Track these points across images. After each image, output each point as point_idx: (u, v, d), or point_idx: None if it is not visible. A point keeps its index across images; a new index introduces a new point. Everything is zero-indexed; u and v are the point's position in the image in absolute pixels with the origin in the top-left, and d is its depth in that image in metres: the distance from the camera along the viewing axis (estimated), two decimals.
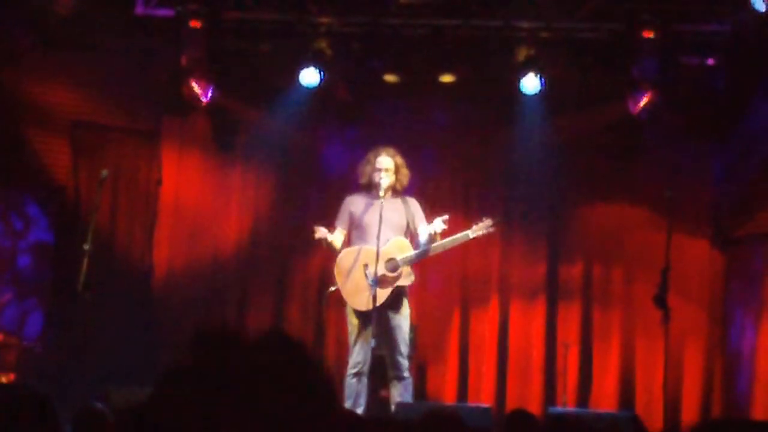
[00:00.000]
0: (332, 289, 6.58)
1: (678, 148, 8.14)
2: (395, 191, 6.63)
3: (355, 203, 6.66)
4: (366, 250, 6.44)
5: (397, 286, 6.42)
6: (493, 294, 8.25)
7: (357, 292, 6.42)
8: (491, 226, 6.60)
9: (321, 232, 6.49)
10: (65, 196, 8.11)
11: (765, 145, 7.59)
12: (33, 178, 8.06)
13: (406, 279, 6.44)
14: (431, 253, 6.54)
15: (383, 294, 6.34)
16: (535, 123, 8.06)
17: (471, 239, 6.62)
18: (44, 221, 8.10)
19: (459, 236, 6.52)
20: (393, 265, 6.38)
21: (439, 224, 6.34)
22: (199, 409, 1.43)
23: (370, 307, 6.25)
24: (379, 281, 6.29)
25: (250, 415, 1.42)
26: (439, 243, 6.48)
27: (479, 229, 6.57)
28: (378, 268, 6.28)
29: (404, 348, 6.42)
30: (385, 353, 6.45)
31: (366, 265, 6.36)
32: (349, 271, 6.48)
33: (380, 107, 8.51)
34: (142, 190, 8.52)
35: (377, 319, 6.29)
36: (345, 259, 6.54)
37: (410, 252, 6.45)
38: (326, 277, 7.14)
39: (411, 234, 6.60)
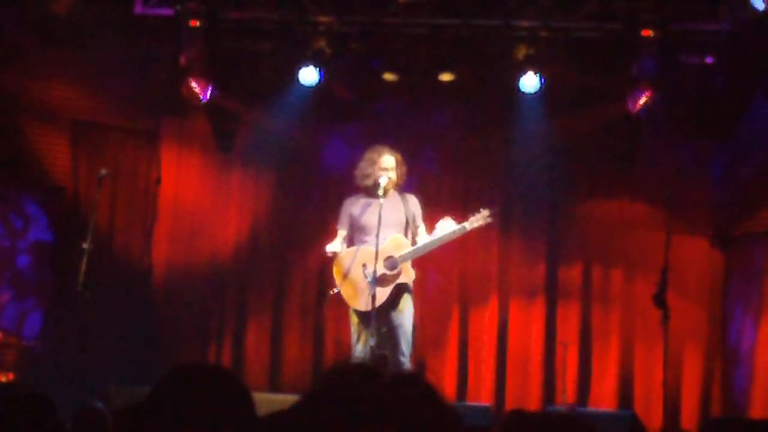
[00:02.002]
0: (334, 291, 6.55)
1: (677, 148, 8.14)
2: (395, 188, 6.61)
3: (354, 204, 6.65)
4: (363, 249, 6.44)
5: (398, 284, 6.40)
6: (493, 293, 8.25)
7: (356, 293, 6.42)
8: (488, 217, 6.49)
9: (329, 250, 6.50)
10: (64, 196, 8.11)
11: (764, 144, 7.59)
12: (32, 178, 8.05)
13: (406, 276, 6.41)
14: (430, 249, 6.49)
15: (384, 293, 6.33)
16: (535, 122, 8.05)
17: (469, 231, 6.51)
18: (43, 220, 8.10)
19: (456, 229, 6.43)
20: (392, 263, 6.36)
21: (449, 225, 6.33)
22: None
23: (370, 307, 6.24)
24: (379, 280, 6.28)
25: None
26: (437, 237, 6.42)
27: (476, 220, 6.47)
28: (377, 267, 6.27)
29: (406, 348, 6.39)
30: (387, 352, 6.43)
31: (364, 265, 6.36)
32: (348, 272, 6.48)
33: (380, 106, 8.51)
34: (142, 190, 8.52)
35: (379, 318, 6.28)
36: (343, 260, 6.53)
37: (408, 249, 6.43)
38: (325, 276, 7.13)
39: (412, 231, 6.58)
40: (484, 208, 6.53)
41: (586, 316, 8.16)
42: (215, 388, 1.89)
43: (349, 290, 6.45)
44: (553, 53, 7.61)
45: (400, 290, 6.42)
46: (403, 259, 6.38)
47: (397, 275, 6.37)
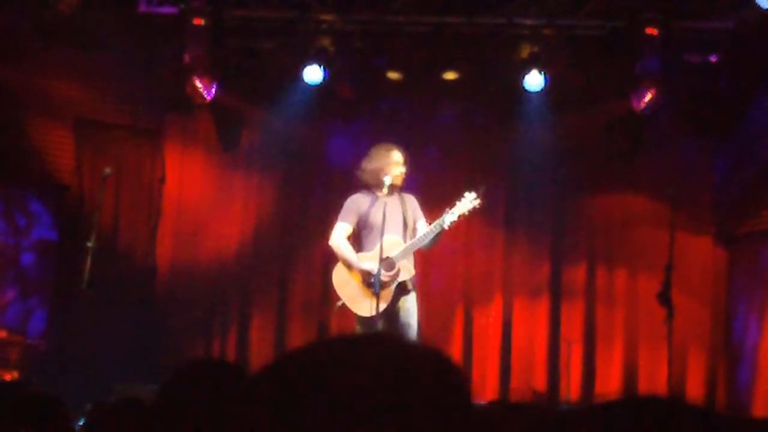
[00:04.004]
0: (339, 304, 6.48)
1: (681, 146, 8.15)
2: (397, 187, 6.56)
3: (360, 202, 6.58)
4: (359, 256, 6.45)
5: (399, 284, 6.35)
6: (497, 292, 8.25)
7: (358, 300, 6.36)
8: (475, 200, 6.23)
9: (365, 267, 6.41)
10: (68, 194, 8.12)
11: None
12: (36, 176, 8.05)
13: (405, 273, 6.35)
14: (421, 243, 6.33)
15: (387, 294, 6.28)
16: (538, 120, 8.06)
17: (458, 218, 6.25)
18: (47, 219, 8.10)
19: (445, 218, 6.21)
20: (389, 263, 6.28)
21: (449, 218, 6.22)
22: None
23: (375, 311, 6.21)
24: (381, 283, 6.26)
25: None
26: (428, 230, 6.29)
27: (463, 206, 6.23)
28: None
29: None
30: None
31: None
32: (347, 281, 6.44)
33: (383, 104, 8.52)
34: (146, 188, 8.53)
35: (386, 319, 6.25)
36: (339, 272, 6.49)
37: (401, 247, 6.37)
38: (329, 275, 7.11)
39: (412, 230, 6.53)
40: (470, 191, 6.29)
41: (590, 314, 8.16)
42: (224, 383, 1.90)
43: (352, 298, 6.41)
44: (556, 51, 7.61)
45: (402, 289, 6.39)
46: (398, 257, 6.32)
47: (396, 275, 6.30)
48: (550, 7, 7.48)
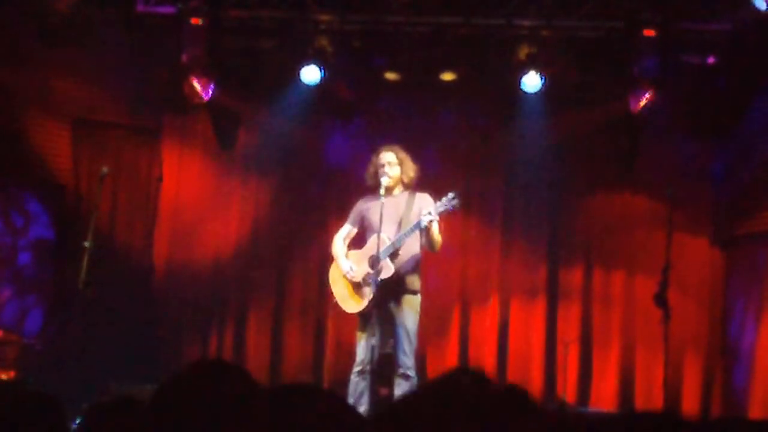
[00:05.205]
0: (334, 301, 6.58)
1: (678, 147, 8.15)
2: (404, 185, 6.55)
3: (363, 204, 6.64)
4: (350, 254, 6.51)
5: (385, 282, 6.32)
6: (493, 292, 8.26)
7: (345, 298, 6.48)
8: (453, 199, 6.17)
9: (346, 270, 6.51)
10: (66, 193, 8.11)
11: (765, 144, 7.59)
12: (34, 175, 8.05)
13: (387, 272, 6.32)
14: (402, 242, 6.29)
15: (369, 292, 6.28)
16: (536, 121, 8.06)
17: (437, 217, 6.15)
18: (45, 218, 8.09)
19: (423, 218, 6.16)
20: (374, 260, 6.31)
21: (426, 218, 6.21)
22: None
23: (359, 308, 6.31)
24: (365, 280, 6.31)
25: None
26: (408, 229, 6.29)
27: (441, 206, 6.19)
28: (362, 268, 6.33)
29: (408, 346, 6.32)
30: (390, 351, 6.39)
31: (351, 269, 6.46)
32: (338, 279, 6.55)
33: (381, 105, 8.52)
34: (143, 188, 8.53)
35: (379, 317, 6.25)
36: (333, 271, 6.62)
37: (386, 244, 6.32)
38: (326, 275, 7.12)
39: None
40: (452, 191, 6.24)
41: (587, 315, 8.17)
42: (223, 384, 1.89)
43: (341, 295, 6.49)
44: (554, 52, 7.62)
45: (391, 288, 6.33)
46: (383, 256, 6.30)
47: (379, 272, 6.31)
48: (549, 8, 7.49)
